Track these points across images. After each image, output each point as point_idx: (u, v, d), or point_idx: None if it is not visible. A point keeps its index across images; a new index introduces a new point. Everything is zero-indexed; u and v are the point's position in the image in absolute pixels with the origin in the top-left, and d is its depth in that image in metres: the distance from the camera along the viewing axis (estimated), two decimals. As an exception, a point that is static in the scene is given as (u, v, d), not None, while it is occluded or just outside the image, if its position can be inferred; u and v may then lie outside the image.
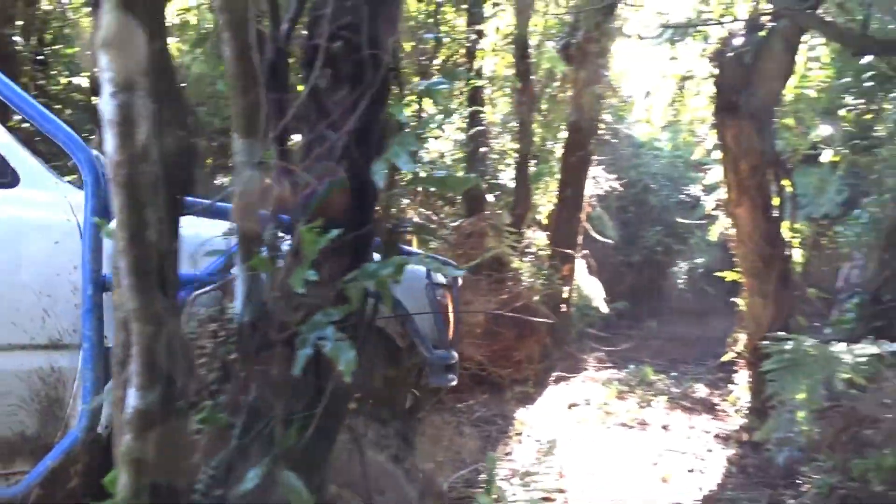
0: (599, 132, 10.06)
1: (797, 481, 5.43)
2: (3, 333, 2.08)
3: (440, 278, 2.97)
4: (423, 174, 1.55)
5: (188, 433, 1.45)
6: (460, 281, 3.28)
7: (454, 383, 3.16)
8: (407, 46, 8.85)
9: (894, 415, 5.35)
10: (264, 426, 1.58)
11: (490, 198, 10.07)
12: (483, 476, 4.90)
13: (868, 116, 6.98)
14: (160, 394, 1.24)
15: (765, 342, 6.24)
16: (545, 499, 5.24)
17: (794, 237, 7.44)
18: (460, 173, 9.92)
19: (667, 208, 15.01)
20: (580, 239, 10.13)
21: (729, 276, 8.51)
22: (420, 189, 10.04)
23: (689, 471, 5.88)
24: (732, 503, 5.05)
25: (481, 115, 9.35)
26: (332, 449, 1.69)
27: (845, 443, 5.72)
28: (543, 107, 9.94)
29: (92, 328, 2.06)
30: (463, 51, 9.06)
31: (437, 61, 8.75)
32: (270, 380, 1.57)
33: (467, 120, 9.47)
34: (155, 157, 1.22)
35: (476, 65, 8.65)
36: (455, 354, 3.11)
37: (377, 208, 1.68)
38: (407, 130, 1.51)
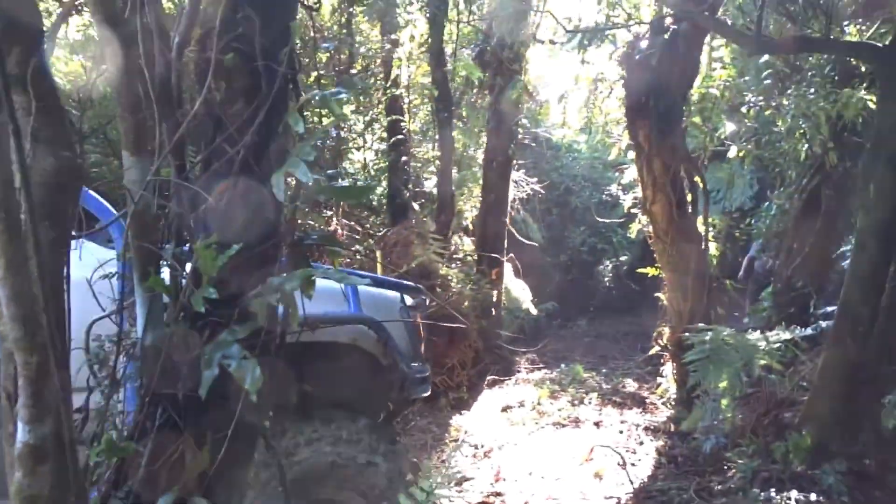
0: (519, 137, 10.21)
1: (724, 467, 5.58)
2: None
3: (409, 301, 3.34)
4: (324, 184, 1.53)
5: (85, 466, 1.38)
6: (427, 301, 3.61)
7: (428, 393, 3.62)
8: (323, 58, 8.79)
9: (810, 396, 5.57)
10: (173, 451, 1.53)
11: (416, 206, 10.09)
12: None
13: (768, 112, 7.31)
14: (51, 427, 1.18)
15: (686, 334, 6.45)
16: (482, 503, 5.26)
17: (708, 231, 7.69)
18: (384, 182, 9.92)
19: (589, 209, 15.30)
20: (506, 243, 10.24)
21: (650, 272, 8.75)
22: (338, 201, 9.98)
23: (621, 465, 5.99)
24: (662, 493, 5.15)
25: (401, 124, 9.36)
26: (249, 468, 1.64)
27: (766, 427, 5.93)
28: (463, 113, 10.02)
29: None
30: (378, 60, 9.07)
31: (353, 71, 8.73)
32: (177, 403, 1.52)
33: (387, 129, 9.47)
34: (35, 179, 1.17)
35: (392, 74, 8.64)
36: (427, 367, 3.40)
37: (282, 221, 1.65)
38: (303, 141, 1.49)
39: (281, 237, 1.63)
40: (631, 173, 8.08)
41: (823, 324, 6.39)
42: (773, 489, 4.83)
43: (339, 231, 7.40)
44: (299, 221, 2.53)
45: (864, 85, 6.26)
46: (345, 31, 7.61)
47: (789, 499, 4.61)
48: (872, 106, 5.85)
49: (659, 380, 8.85)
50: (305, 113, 1.64)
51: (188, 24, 1.64)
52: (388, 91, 8.70)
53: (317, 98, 1.50)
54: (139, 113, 1.43)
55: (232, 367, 1.38)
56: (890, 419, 4.93)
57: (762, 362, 5.68)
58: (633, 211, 9.18)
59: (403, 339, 3.26)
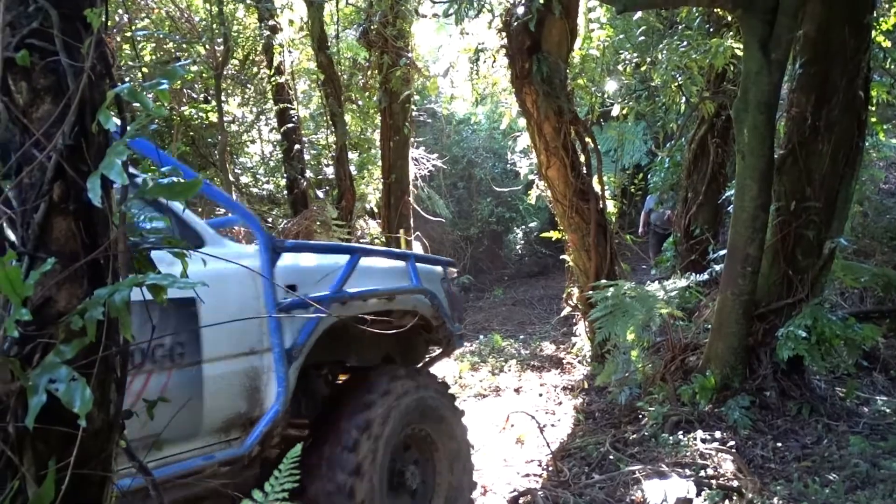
0: (414, 114, 10.13)
1: (638, 416, 5.74)
2: (232, 347, 2.95)
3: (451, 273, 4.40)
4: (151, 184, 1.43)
5: None
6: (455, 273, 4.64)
7: (462, 347, 4.86)
8: (201, 49, 8.46)
9: (710, 338, 5.77)
10: (13, 487, 1.41)
11: (320, 194, 9.89)
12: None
13: (643, 68, 7.50)
14: None
15: (590, 293, 6.58)
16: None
17: (604, 190, 7.85)
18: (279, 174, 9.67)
19: (494, 179, 15.44)
20: (412, 221, 10.19)
21: (554, 235, 8.89)
22: (243, 194, 9.69)
23: (542, 426, 6.09)
24: (581, 450, 5.24)
25: (291, 112, 9.12)
26: (103, 491, 1.54)
27: (674, 372, 6.14)
28: (353, 95, 9.86)
29: (278, 338, 3.05)
30: (259, 48, 8.79)
31: (233, 62, 8.43)
32: (8, 437, 1.39)
33: (277, 119, 9.22)
34: None
35: (275, 61, 8.39)
36: (461, 326, 4.33)
37: (111, 228, 1.53)
38: (116, 140, 1.38)
39: (112, 244, 1.51)
40: (524, 140, 8.13)
41: (717, 267, 6.63)
42: (681, 431, 5.01)
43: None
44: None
45: (731, 34, 6.48)
46: (216, 21, 7.30)
47: (695, 438, 4.78)
48: (740, 54, 6.06)
49: (573, 339, 9.04)
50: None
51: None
52: (272, 80, 8.44)
53: (125, 92, 1.39)
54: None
55: (60, 391, 1.27)
56: (784, 350, 5.17)
57: (664, 311, 5.85)
58: (531, 177, 9.27)
59: (445, 304, 4.09)
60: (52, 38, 1.46)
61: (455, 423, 3.99)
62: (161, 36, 7.52)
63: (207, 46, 7.81)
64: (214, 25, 7.42)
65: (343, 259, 3.48)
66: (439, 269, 4.30)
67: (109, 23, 1.74)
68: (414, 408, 3.61)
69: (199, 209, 7.18)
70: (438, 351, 4.45)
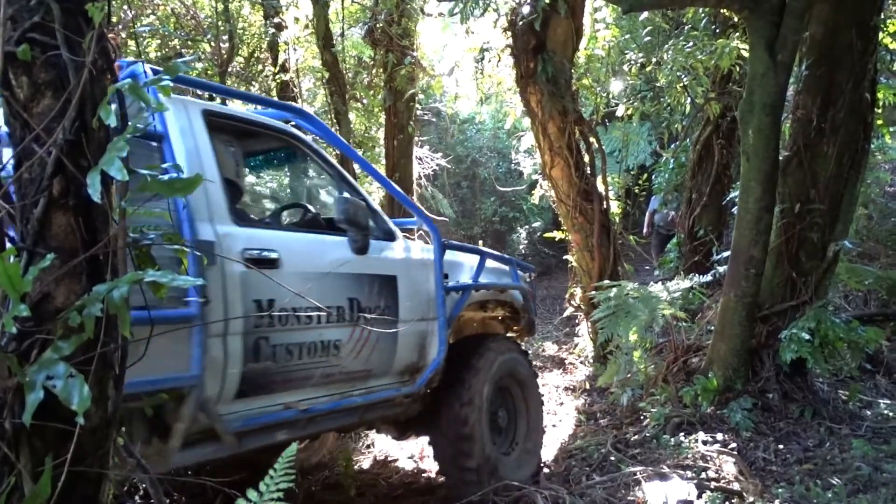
0: (417, 113, 10.11)
1: (640, 417, 5.72)
2: (415, 314, 3.99)
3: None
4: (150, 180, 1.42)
5: None
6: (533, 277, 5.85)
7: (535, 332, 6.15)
8: (206, 47, 8.46)
9: (713, 340, 5.75)
10: (9, 483, 1.41)
11: (323, 192, 9.86)
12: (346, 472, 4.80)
13: (648, 69, 7.47)
14: None
15: (593, 293, 6.56)
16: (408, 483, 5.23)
17: (608, 190, 7.84)
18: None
19: (498, 179, 15.42)
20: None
21: (557, 235, 8.88)
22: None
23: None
24: (582, 451, 5.23)
25: (295, 110, 9.08)
26: (100, 488, 1.53)
27: (676, 374, 6.12)
28: (358, 94, 9.84)
29: (443, 310, 4.12)
30: (264, 45, 8.77)
31: (238, 59, 8.42)
32: (5, 433, 1.39)
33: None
34: None
35: (280, 59, 8.37)
36: (535, 314, 5.57)
37: (110, 224, 1.53)
38: (117, 136, 1.38)
39: (111, 240, 1.50)
40: (529, 140, 8.12)
41: (721, 269, 6.61)
42: (683, 433, 4.99)
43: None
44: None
45: (738, 35, 6.45)
46: (221, 18, 7.28)
47: (696, 440, 4.76)
48: (746, 55, 6.04)
49: (576, 340, 9.03)
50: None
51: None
52: (277, 77, 8.43)
53: (126, 87, 1.38)
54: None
55: (57, 388, 1.26)
56: (787, 353, 5.14)
57: (667, 312, 5.83)
58: (534, 177, 9.26)
59: (528, 297, 5.29)
60: (53, 32, 1.46)
61: (531, 381, 5.07)
62: (165, 32, 7.52)
63: (213, 44, 7.80)
64: (220, 23, 7.41)
65: (474, 258, 4.68)
66: (526, 273, 5.56)
67: (114, 19, 1.74)
68: (507, 365, 4.68)
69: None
70: (518, 332, 5.54)
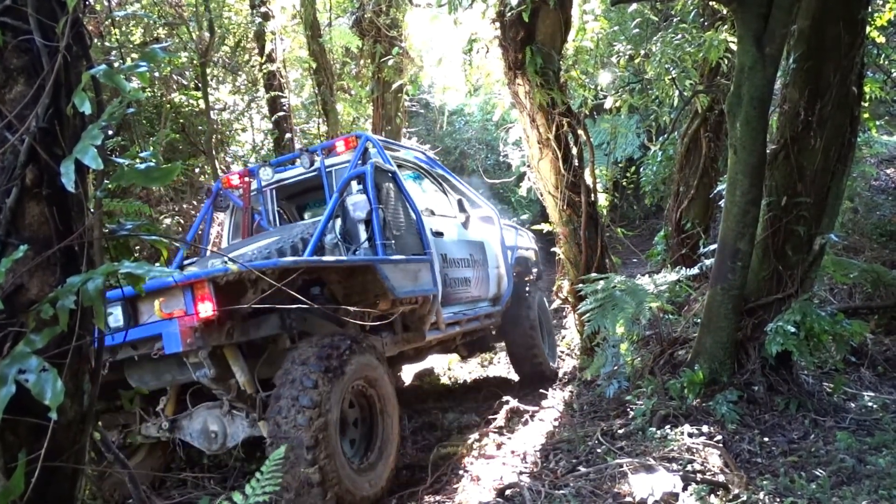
0: (405, 104, 10.07)
1: (626, 410, 5.72)
2: (495, 263, 7.19)
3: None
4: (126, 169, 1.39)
5: None
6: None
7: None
8: (189, 37, 8.35)
9: (699, 332, 5.76)
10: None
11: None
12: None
13: (637, 61, 7.47)
14: None
15: (580, 285, 6.56)
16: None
17: (596, 182, 7.82)
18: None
19: (486, 170, 15.38)
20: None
21: (545, 227, 8.85)
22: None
23: (529, 419, 6.08)
24: (568, 442, 5.22)
25: (282, 100, 9.04)
26: (76, 484, 1.50)
27: (662, 366, 6.12)
28: (346, 84, 9.78)
29: (507, 261, 7.39)
30: (250, 35, 8.69)
31: (224, 48, 8.32)
32: (-23, 429, 1.36)
33: (268, 107, 9.12)
34: None
35: (266, 49, 8.29)
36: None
37: (86, 214, 1.49)
38: (92, 124, 1.34)
39: (86, 231, 1.47)
40: (517, 132, 8.09)
41: (707, 262, 6.61)
42: (669, 425, 4.99)
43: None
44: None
45: (726, 28, 6.45)
46: (203, 6, 7.19)
47: (682, 433, 4.77)
48: (734, 48, 6.03)
49: (563, 332, 9.03)
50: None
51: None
52: (263, 67, 8.35)
53: (101, 74, 1.34)
54: None
55: (29, 382, 1.23)
56: (773, 346, 5.15)
57: (654, 305, 5.83)
58: (522, 169, 9.24)
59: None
60: (26, 16, 1.41)
61: (546, 308, 8.07)
62: (145, 18, 7.41)
63: (197, 33, 7.71)
64: (201, 10, 7.31)
65: (512, 231, 7.95)
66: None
67: (97, 5, 1.69)
68: (542, 298, 7.81)
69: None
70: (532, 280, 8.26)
